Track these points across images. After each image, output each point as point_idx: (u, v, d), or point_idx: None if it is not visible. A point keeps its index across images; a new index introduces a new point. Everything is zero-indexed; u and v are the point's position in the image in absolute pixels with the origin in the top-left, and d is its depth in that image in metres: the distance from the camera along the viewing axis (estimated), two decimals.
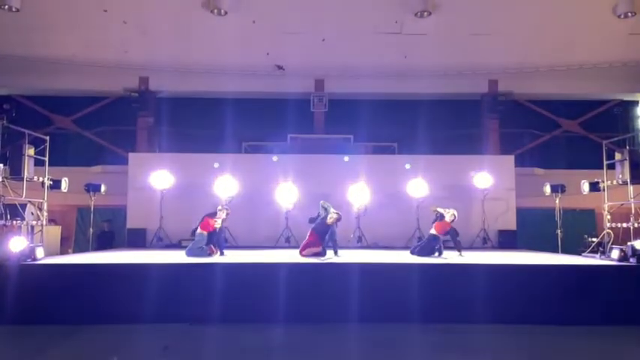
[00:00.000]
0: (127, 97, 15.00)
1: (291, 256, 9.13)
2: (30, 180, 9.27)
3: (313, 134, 14.82)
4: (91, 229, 12.25)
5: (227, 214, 9.40)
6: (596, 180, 10.62)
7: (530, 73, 14.71)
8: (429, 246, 9.32)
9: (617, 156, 9.96)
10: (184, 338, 6.59)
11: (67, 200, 12.73)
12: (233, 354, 6.06)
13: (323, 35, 13.46)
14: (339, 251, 9.25)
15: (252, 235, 12.35)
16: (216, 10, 12.36)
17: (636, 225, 9.18)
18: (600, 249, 9.64)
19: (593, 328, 6.97)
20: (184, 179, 12.65)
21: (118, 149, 15.02)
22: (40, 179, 9.66)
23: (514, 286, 7.43)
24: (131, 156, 13.60)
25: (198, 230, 9.06)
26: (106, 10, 12.49)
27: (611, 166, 10.26)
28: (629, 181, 9.40)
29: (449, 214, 9.46)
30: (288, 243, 12.12)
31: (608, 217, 9.90)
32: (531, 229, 13.62)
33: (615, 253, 8.38)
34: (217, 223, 9.13)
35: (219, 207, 9.48)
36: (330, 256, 8.93)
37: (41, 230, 9.43)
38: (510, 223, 13.16)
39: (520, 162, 14.10)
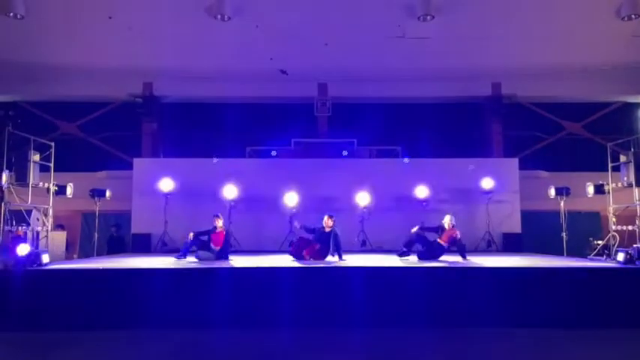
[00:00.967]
0: (131, 102, 15.07)
1: (294, 260, 9.14)
2: (35, 186, 9.32)
3: (317, 138, 14.83)
4: (96, 235, 12.29)
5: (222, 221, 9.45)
6: (601, 182, 10.59)
7: (534, 76, 14.68)
8: (431, 252, 9.28)
9: (622, 158, 9.93)
10: (191, 344, 6.59)
11: (72, 206, 12.79)
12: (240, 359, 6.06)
13: (326, 39, 13.48)
14: (344, 255, 9.23)
15: (257, 239, 12.36)
16: (219, 16, 12.41)
17: None
18: (606, 252, 9.61)
19: (598, 331, 6.93)
20: (188, 184, 12.68)
21: (123, 155, 15.07)
22: (46, 185, 9.72)
23: (519, 289, 7.40)
24: (136, 161, 13.65)
25: (212, 246, 9.11)
26: (110, 17, 12.55)
27: (616, 169, 10.23)
28: (634, 183, 9.37)
29: (447, 223, 9.41)
30: (292, 247, 12.09)
31: (614, 219, 9.86)
32: (536, 232, 13.57)
33: (621, 256, 8.34)
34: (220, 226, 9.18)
35: (215, 217, 9.47)
36: (334, 261, 8.92)
37: (46, 236, 9.46)
38: (515, 226, 13.13)
39: (524, 165, 14.06)
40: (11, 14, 12.01)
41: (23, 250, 7.75)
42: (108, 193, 12.39)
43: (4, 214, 8.35)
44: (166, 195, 12.49)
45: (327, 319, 7.14)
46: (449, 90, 14.81)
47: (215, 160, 12.92)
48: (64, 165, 11.82)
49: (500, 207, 12.99)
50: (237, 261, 9.00)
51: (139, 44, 13.58)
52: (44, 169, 9.81)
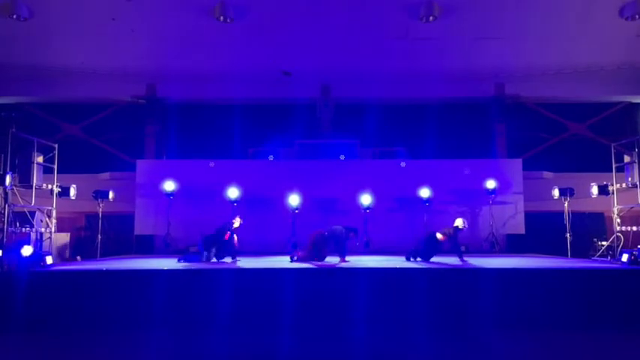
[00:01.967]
0: (134, 104, 15.10)
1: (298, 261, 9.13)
2: (39, 187, 9.34)
3: (320, 140, 14.82)
4: (99, 236, 12.31)
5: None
6: (605, 183, 10.56)
7: (537, 76, 14.66)
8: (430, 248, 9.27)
9: (627, 158, 9.90)
10: (191, 345, 6.59)
11: (75, 207, 12.82)
12: None
13: (328, 41, 13.47)
14: (347, 257, 9.22)
15: (259, 241, 12.35)
16: (222, 18, 12.41)
17: None
18: (610, 253, 9.58)
19: (603, 332, 6.90)
20: (191, 186, 12.70)
21: (126, 156, 15.09)
22: (49, 187, 9.74)
23: (523, 290, 7.38)
24: (139, 163, 13.67)
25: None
26: (114, 19, 12.58)
27: (620, 169, 10.19)
28: (638, 184, 9.33)
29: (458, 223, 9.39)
30: (294, 248, 12.09)
31: (618, 220, 9.83)
32: (540, 233, 13.52)
33: (625, 257, 8.32)
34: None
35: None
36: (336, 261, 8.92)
37: (50, 237, 9.48)
38: (519, 227, 13.10)
39: (528, 165, 14.03)
40: (15, 16, 12.04)
41: (27, 251, 7.77)
42: (111, 195, 12.41)
43: (8, 216, 8.37)
44: (169, 196, 12.50)
45: (331, 320, 7.12)
46: (452, 91, 14.78)
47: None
48: (67, 166, 11.85)
49: (504, 208, 12.97)
50: (240, 262, 8.98)
51: (142, 46, 13.60)
52: (48, 170, 9.84)
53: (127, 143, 15.37)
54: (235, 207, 12.26)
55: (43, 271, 7.77)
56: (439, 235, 9.27)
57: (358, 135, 14.27)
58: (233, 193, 12.28)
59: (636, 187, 9.44)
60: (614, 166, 10.27)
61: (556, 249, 12.04)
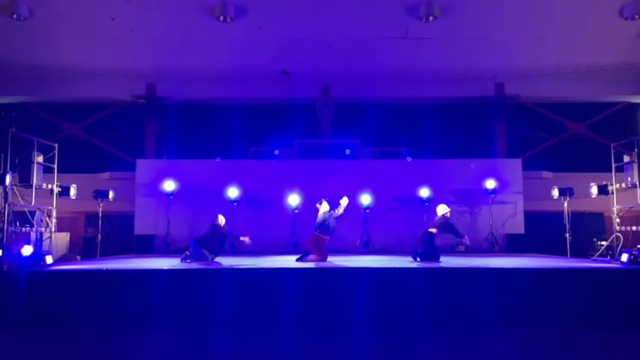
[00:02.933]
0: (134, 104, 15.11)
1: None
2: (39, 187, 9.35)
3: (320, 139, 14.83)
4: (99, 236, 12.32)
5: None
6: (604, 183, 10.56)
7: (537, 76, 14.67)
8: (429, 246, 9.28)
9: (626, 158, 9.91)
10: (193, 345, 6.59)
11: (75, 207, 12.83)
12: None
13: (328, 40, 13.48)
14: (348, 257, 9.24)
15: (260, 241, 12.35)
16: (222, 17, 12.41)
17: None
18: (610, 252, 9.59)
19: (602, 332, 6.90)
20: (191, 185, 12.71)
21: (126, 156, 15.10)
22: (49, 186, 9.74)
23: (523, 290, 7.39)
24: (139, 162, 13.68)
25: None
26: (113, 19, 12.58)
27: (620, 169, 10.20)
28: (638, 183, 9.34)
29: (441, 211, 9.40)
30: (295, 248, 12.12)
31: (618, 220, 9.84)
32: (540, 233, 13.54)
33: (625, 257, 8.32)
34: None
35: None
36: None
37: (50, 237, 9.49)
38: (518, 227, 13.11)
39: (528, 165, 14.03)
40: (14, 16, 12.04)
41: (27, 251, 7.78)
42: (111, 194, 12.42)
43: (8, 215, 8.37)
44: (169, 196, 12.51)
45: (331, 320, 7.13)
46: (452, 90, 14.80)
47: (218, 159, 13.03)
48: (67, 166, 11.85)
49: (504, 208, 12.98)
50: (240, 262, 8.99)
51: (142, 46, 13.61)
52: (48, 170, 9.84)
53: (127, 143, 15.38)
54: (235, 206, 12.27)
55: (43, 271, 7.78)
56: (432, 230, 9.29)
57: (358, 135, 14.28)
58: (233, 192, 12.30)
59: (636, 187, 9.45)
60: (613, 166, 10.27)
61: (556, 249, 12.05)
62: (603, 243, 10.66)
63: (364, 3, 12.26)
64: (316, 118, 15.13)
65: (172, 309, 7.19)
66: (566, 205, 11.85)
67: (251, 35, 13.14)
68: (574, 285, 7.44)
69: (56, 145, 10.11)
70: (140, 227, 12.99)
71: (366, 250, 12.17)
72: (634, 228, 9.40)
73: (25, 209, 8.92)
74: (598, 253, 10.36)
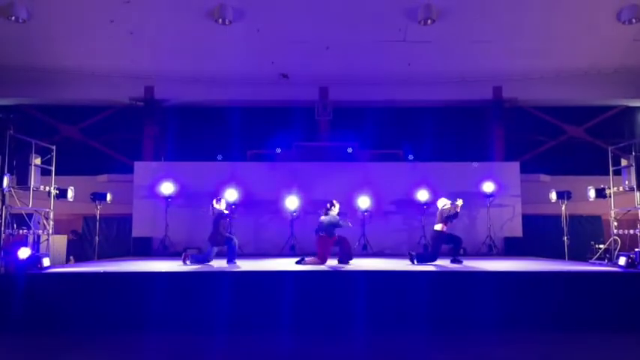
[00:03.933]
0: (132, 106, 15.10)
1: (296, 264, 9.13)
2: (36, 189, 9.32)
3: (318, 142, 14.85)
4: (97, 238, 12.30)
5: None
6: (602, 186, 10.57)
7: (535, 80, 14.71)
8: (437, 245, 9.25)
9: (624, 162, 9.92)
10: (191, 347, 6.58)
11: (73, 209, 12.79)
12: None
13: (327, 43, 13.50)
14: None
15: (258, 244, 12.37)
16: (221, 20, 12.43)
17: None
18: (607, 256, 9.59)
19: (600, 335, 6.91)
20: (190, 188, 12.70)
21: (124, 158, 15.09)
22: (47, 188, 9.71)
23: (520, 293, 7.39)
24: (137, 165, 13.67)
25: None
26: (112, 21, 12.58)
27: (618, 173, 10.21)
28: (635, 187, 9.35)
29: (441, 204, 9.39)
30: (293, 251, 12.11)
31: (615, 223, 9.85)
32: (538, 236, 13.55)
33: (622, 260, 8.33)
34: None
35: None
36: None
37: (47, 239, 9.46)
38: (516, 230, 13.12)
39: (526, 168, 14.05)
40: (13, 18, 12.04)
41: (24, 253, 7.75)
42: (109, 197, 12.39)
43: (6, 218, 8.35)
44: (167, 198, 12.50)
45: (330, 323, 7.12)
46: (450, 93, 14.83)
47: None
48: (65, 168, 11.84)
49: (502, 211, 12.99)
50: (238, 265, 8.97)
51: (140, 48, 13.62)
52: (45, 172, 9.81)
53: (125, 145, 15.38)
54: (233, 209, 12.25)
55: (41, 274, 7.75)
56: (438, 228, 9.25)
57: (356, 137, 14.30)
58: (231, 195, 12.27)
59: (633, 190, 9.46)
60: (611, 170, 10.29)
61: (553, 252, 12.06)
62: (601, 246, 10.66)
63: (363, 6, 12.29)
64: (315, 120, 15.14)
65: (170, 311, 7.17)
66: (563, 208, 11.87)
67: (250, 38, 13.15)
68: (572, 288, 7.44)
69: (54, 147, 10.09)
70: (138, 230, 12.96)
71: (365, 253, 12.16)
72: (632, 231, 9.41)
73: (23, 211, 8.89)
74: (596, 257, 10.37)
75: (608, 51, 13.71)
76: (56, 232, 11.08)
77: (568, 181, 13.41)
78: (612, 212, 10.01)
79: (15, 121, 9.19)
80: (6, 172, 8.58)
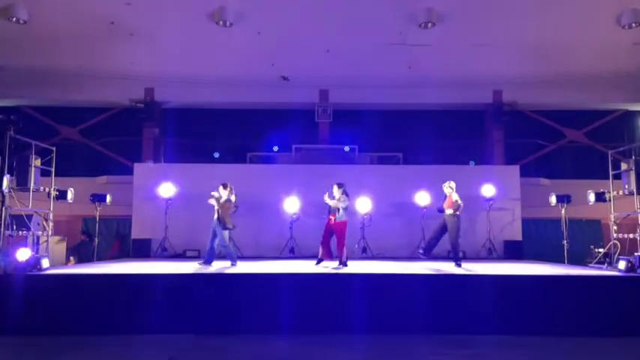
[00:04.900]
0: (132, 108, 15.11)
1: (295, 266, 9.12)
2: (36, 190, 9.31)
3: (318, 144, 14.85)
4: (96, 240, 12.29)
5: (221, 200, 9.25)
6: (602, 190, 10.58)
7: (535, 84, 14.72)
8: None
9: (623, 166, 9.92)
10: (190, 350, 6.57)
11: (72, 210, 12.78)
12: None
13: (327, 46, 13.52)
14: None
15: (257, 246, 12.33)
16: (221, 22, 12.45)
17: None
18: (607, 260, 9.59)
19: (599, 339, 6.90)
20: (189, 190, 12.67)
21: (124, 160, 15.09)
22: (46, 190, 9.70)
23: (520, 297, 7.38)
24: (136, 166, 13.66)
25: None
26: (112, 23, 12.60)
27: (617, 177, 10.22)
28: (635, 191, 9.36)
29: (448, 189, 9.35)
30: (292, 253, 12.10)
31: (615, 227, 9.84)
32: (537, 240, 13.54)
33: (622, 264, 8.32)
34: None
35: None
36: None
37: (47, 241, 9.45)
38: (516, 234, 13.11)
39: (525, 172, 14.05)
40: (14, 19, 12.05)
41: (24, 254, 7.74)
42: (108, 198, 12.39)
43: (5, 219, 8.34)
44: (167, 200, 12.48)
45: (328, 326, 7.11)
46: (450, 97, 14.84)
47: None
48: (65, 170, 11.85)
49: (502, 214, 12.97)
50: (238, 267, 8.96)
51: (140, 50, 13.63)
52: (45, 173, 9.81)
53: (125, 147, 15.39)
54: (233, 211, 12.23)
55: (40, 275, 7.74)
56: (449, 212, 9.13)
57: (356, 140, 14.30)
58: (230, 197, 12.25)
59: (633, 194, 9.46)
60: (611, 174, 10.29)
61: (553, 256, 12.05)
62: (601, 250, 10.66)
63: (364, 9, 12.32)
64: (314, 123, 15.15)
65: (169, 313, 7.16)
66: (563, 212, 11.87)
67: (250, 40, 13.17)
68: (571, 292, 7.44)
69: (54, 149, 10.09)
70: (137, 231, 12.94)
71: (364, 256, 12.15)
72: (631, 235, 9.40)
73: (22, 212, 8.88)
74: (595, 260, 10.37)
75: (608, 55, 13.72)
76: (56, 233, 11.08)
77: (568, 185, 13.40)
78: (612, 216, 10.01)
79: (15, 122, 9.16)
80: (6, 173, 8.57)
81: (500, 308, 7.22)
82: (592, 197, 10.77)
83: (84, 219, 13.97)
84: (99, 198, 12.28)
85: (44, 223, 9.45)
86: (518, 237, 13.10)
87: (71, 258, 12.57)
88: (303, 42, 13.26)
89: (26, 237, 8.89)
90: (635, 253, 8.31)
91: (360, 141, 14.35)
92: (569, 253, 11.61)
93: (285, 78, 14.68)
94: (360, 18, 12.63)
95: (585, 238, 13.26)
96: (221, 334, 7.01)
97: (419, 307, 7.21)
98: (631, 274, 7.95)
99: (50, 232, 9.57)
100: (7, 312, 7.05)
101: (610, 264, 9.18)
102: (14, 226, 8.58)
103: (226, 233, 9.08)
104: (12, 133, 8.72)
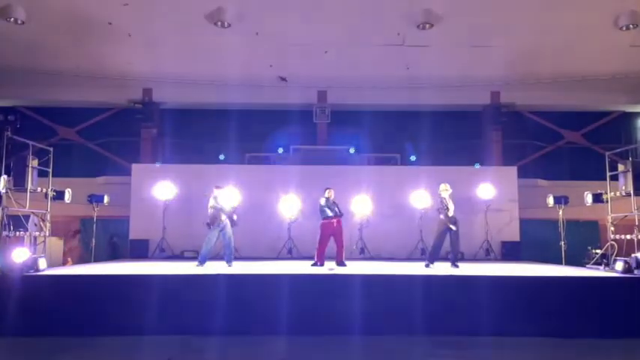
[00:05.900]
0: (130, 108, 15.09)
1: (294, 267, 9.12)
2: (33, 191, 9.29)
3: (316, 145, 14.85)
4: (94, 240, 12.27)
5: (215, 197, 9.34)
6: (599, 191, 10.59)
7: (533, 85, 14.73)
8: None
9: (621, 167, 9.94)
10: (187, 351, 6.56)
11: (70, 211, 12.76)
12: None
13: (326, 47, 13.52)
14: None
15: (255, 247, 12.33)
16: (219, 23, 12.44)
17: None
18: (604, 261, 9.60)
19: (596, 340, 6.91)
20: (187, 190, 12.67)
21: (122, 160, 15.07)
22: (44, 190, 9.69)
23: (518, 298, 7.39)
24: (134, 167, 13.65)
25: None
26: (110, 23, 12.58)
27: (615, 178, 10.23)
28: (632, 192, 9.37)
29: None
30: (290, 254, 12.10)
31: (612, 228, 9.86)
32: (535, 241, 13.56)
33: (619, 265, 8.34)
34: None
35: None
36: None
37: (44, 241, 9.44)
38: (514, 235, 13.14)
39: (523, 173, 14.08)
40: (12, 19, 12.03)
41: (21, 255, 7.73)
42: (106, 199, 12.38)
43: (2, 219, 8.33)
44: (165, 201, 12.47)
45: (326, 327, 7.11)
46: (448, 98, 14.83)
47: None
48: (62, 170, 11.82)
49: (499, 215, 12.99)
50: (235, 268, 8.96)
51: (138, 50, 13.61)
52: (43, 174, 9.79)
53: (123, 147, 15.36)
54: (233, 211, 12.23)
55: (37, 275, 7.73)
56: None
57: (354, 141, 14.30)
58: (229, 197, 12.23)
59: (630, 195, 9.48)
60: (608, 175, 10.31)
61: (550, 256, 12.07)
62: (598, 251, 10.67)
63: (362, 10, 12.32)
64: (313, 123, 15.15)
65: (167, 314, 7.15)
66: (561, 213, 11.89)
67: (248, 41, 13.16)
68: (569, 293, 7.45)
69: (51, 149, 10.07)
70: (135, 232, 12.93)
71: (362, 256, 12.15)
72: (628, 236, 9.41)
73: (20, 213, 8.87)
74: (592, 262, 10.37)
75: (606, 56, 13.74)
76: (53, 233, 11.06)
77: (565, 186, 13.43)
78: (609, 217, 10.02)
79: (12, 123, 9.15)
80: (3, 173, 8.56)
81: (497, 309, 7.22)
82: (589, 198, 10.79)
83: (81, 219, 13.96)
84: (96, 198, 12.27)
85: (41, 223, 9.43)
86: (516, 238, 13.13)
87: (69, 259, 12.56)
88: (301, 43, 13.25)
89: (23, 237, 8.86)
90: (633, 254, 8.32)
91: (358, 142, 14.35)
92: (566, 254, 11.62)
93: (283, 79, 14.68)
94: (358, 19, 12.63)
95: (583, 239, 13.26)
96: (220, 335, 7.00)
97: (417, 308, 7.21)
98: (628, 275, 7.96)
99: (47, 233, 9.55)
100: (4, 313, 7.03)
101: (607, 265, 9.19)
102: (11, 227, 8.57)
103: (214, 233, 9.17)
104: (9, 133, 8.72)
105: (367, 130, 14.67)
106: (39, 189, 9.54)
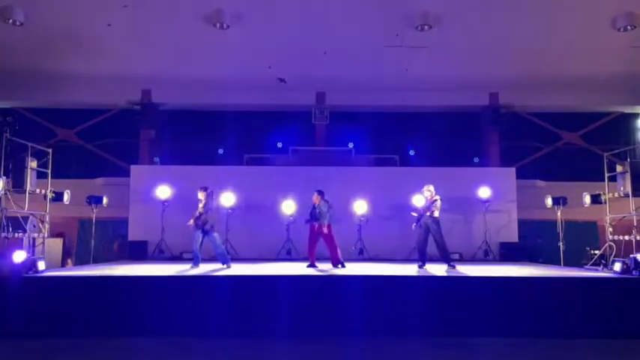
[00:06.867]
0: (129, 109, 15.09)
1: (292, 268, 9.13)
2: (32, 192, 9.29)
3: (315, 146, 14.86)
4: (92, 241, 12.26)
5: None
6: (597, 192, 10.63)
7: (531, 86, 14.74)
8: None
9: (619, 168, 9.97)
10: (187, 351, 6.56)
11: (68, 212, 12.76)
12: None
13: (324, 48, 13.53)
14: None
15: (254, 248, 12.33)
16: (218, 24, 12.45)
17: (638, 237, 9.16)
18: (602, 261, 9.62)
19: (594, 341, 6.92)
20: (186, 192, 12.65)
21: (120, 162, 15.07)
22: (43, 192, 9.69)
23: (516, 298, 7.40)
24: (133, 168, 13.64)
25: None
26: (109, 24, 12.58)
27: (613, 179, 10.26)
28: (630, 193, 9.40)
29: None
30: (289, 255, 12.10)
31: (610, 229, 9.88)
32: (533, 242, 13.57)
33: (618, 266, 8.35)
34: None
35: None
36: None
37: (43, 242, 9.43)
38: (512, 236, 13.14)
39: (521, 174, 14.09)
40: (10, 21, 12.02)
41: (19, 256, 7.72)
42: (105, 200, 12.37)
43: (1, 221, 8.33)
44: (163, 202, 12.47)
45: (325, 328, 7.11)
46: (446, 99, 14.86)
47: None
48: (61, 171, 11.81)
49: (498, 216, 13.01)
50: (234, 269, 8.96)
51: (137, 52, 13.61)
52: (41, 175, 9.79)
53: (122, 148, 15.36)
54: (230, 213, 12.25)
55: (36, 277, 7.72)
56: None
57: (353, 142, 14.31)
58: (227, 199, 12.26)
59: (628, 196, 9.50)
60: (606, 176, 10.34)
61: (549, 257, 12.09)
62: (596, 252, 10.69)
63: (361, 11, 12.33)
64: (311, 125, 15.16)
65: (166, 315, 7.15)
66: (559, 213, 11.91)
67: (247, 42, 13.16)
68: (567, 294, 7.46)
69: (50, 151, 10.07)
70: (134, 233, 12.92)
71: (360, 257, 12.15)
72: (627, 237, 9.44)
73: (18, 214, 8.87)
74: (591, 262, 10.40)
75: (604, 58, 13.75)
76: (52, 235, 11.05)
77: (564, 187, 13.45)
78: (607, 218, 10.05)
79: (11, 124, 9.14)
80: (2, 174, 8.56)
81: (496, 310, 7.23)
82: (588, 199, 10.82)
83: (80, 221, 13.95)
84: (95, 200, 12.27)
85: (40, 225, 9.43)
86: (515, 239, 13.14)
87: (68, 260, 12.55)
88: (300, 44, 13.26)
89: (22, 239, 8.86)
90: (631, 255, 8.33)
91: (356, 143, 14.36)
92: (565, 254, 11.64)
93: (282, 80, 14.68)
94: (357, 20, 12.63)
95: (581, 239, 13.29)
96: (219, 337, 7.00)
97: (415, 309, 7.21)
98: (626, 276, 7.97)
99: (46, 234, 9.55)
100: (3, 314, 7.03)
101: (606, 266, 9.21)
102: (10, 228, 8.57)
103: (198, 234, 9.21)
104: (8, 135, 8.71)
105: (366, 131, 14.69)
106: (38, 190, 9.54)
